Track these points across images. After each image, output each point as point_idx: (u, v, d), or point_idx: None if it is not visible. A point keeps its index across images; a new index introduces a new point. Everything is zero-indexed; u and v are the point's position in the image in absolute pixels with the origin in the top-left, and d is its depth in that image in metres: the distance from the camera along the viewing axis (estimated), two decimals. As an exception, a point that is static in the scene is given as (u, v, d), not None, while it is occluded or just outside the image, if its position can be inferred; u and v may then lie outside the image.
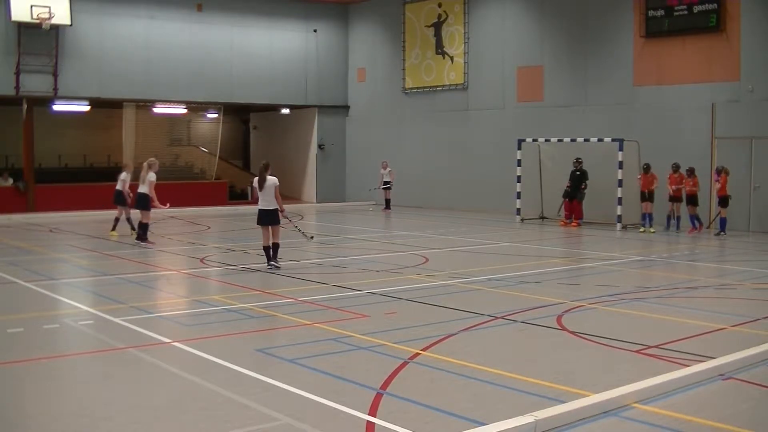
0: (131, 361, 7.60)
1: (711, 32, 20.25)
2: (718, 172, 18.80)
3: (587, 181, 20.74)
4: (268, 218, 13.19)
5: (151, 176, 16.53)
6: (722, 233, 18.60)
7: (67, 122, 29.49)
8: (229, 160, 34.05)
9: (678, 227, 19.53)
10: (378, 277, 12.53)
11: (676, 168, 19.43)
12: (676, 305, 10.45)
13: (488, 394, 6.55)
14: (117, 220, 18.46)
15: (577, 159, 20.91)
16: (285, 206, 13.61)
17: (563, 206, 21.40)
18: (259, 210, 13.30)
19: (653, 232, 19.34)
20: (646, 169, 19.69)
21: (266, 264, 13.32)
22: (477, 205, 26.00)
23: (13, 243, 17.35)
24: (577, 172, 20.84)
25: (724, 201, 18.66)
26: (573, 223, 21.01)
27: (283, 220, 13.52)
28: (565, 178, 21.08)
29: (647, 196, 19.64)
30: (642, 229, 19.67)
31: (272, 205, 13.16)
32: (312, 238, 13.40)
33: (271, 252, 13.34)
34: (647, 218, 19.70)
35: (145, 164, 16.82)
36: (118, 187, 18.08)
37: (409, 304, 10.31)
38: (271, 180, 13.21)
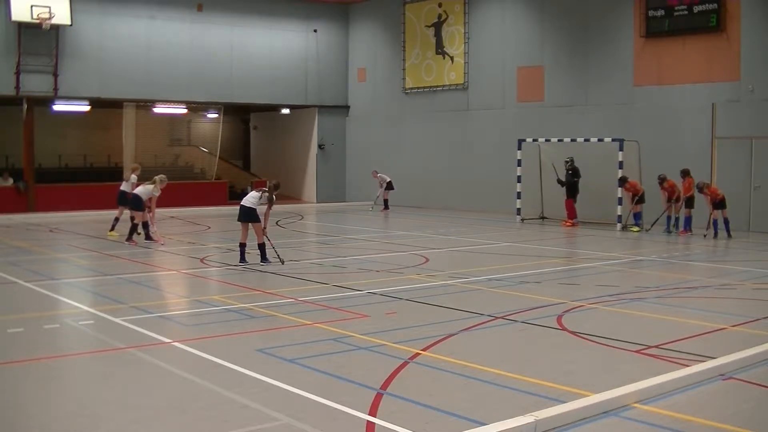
0: (131, 361, 7.59)
1: (711, 32, 20.24)
2: (700, 188, 18.39)
3: (578, 178, 20.76)
4: (246, 216, 13.61)
5: (156, 190, 16.81)
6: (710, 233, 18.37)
7: (67, 122, 29.45)
8: (229, 160, 34.00)
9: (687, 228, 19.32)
10: (378, 277, 12.53)
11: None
12: (676, 305, 10.45)
13: (488, 394, 6.55)
14: (116, 220, 18.41)
15: (566, 160, 20.93)
16: (284, 206, 13.73)
17: (565, 205, 21.34)
18: (241, 206, 13.78)
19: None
20: (687, 173, 19.07)
21: (239, 261, 13.77)
22: (477, 205, 25.98)
23: (13, 243, 17.34)
24: (569, 171, 20.87)
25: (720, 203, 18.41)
26: (568, 222, 21.02)
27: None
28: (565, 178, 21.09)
29: (689, 201, 18.97)
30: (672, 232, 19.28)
31: (254, 204, 13.55)
32: (283, 262, 13.71)
33: (259, 253, 13.75)
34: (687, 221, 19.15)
35: (155, 178, 16.95)
36: (123, 187, 17.99)
37: (410, 304, 10.31)
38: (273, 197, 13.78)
